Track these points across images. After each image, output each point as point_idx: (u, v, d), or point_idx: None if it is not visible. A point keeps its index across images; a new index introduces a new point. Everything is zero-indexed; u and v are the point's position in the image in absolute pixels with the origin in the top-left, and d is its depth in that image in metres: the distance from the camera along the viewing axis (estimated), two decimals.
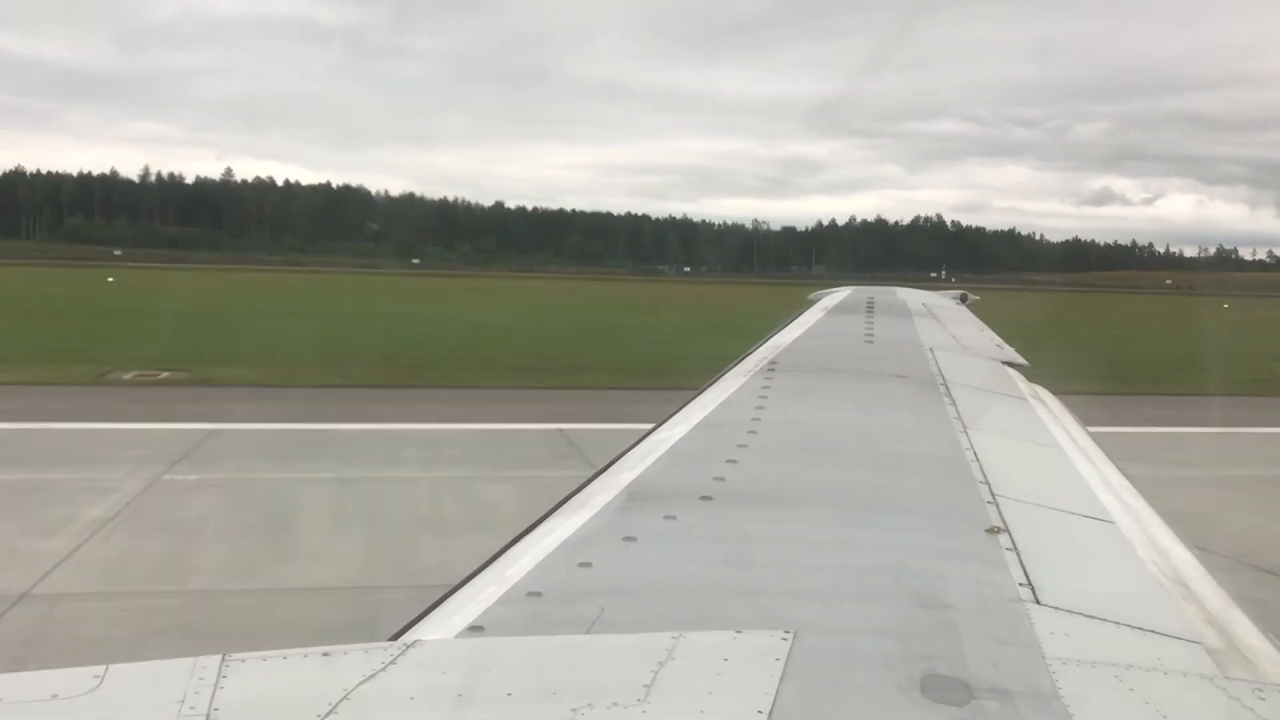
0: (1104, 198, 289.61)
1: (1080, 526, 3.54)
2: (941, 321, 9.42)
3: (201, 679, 1.94)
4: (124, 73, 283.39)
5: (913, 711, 2.02)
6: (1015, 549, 3.07)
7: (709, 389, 5.60)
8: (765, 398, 5.19)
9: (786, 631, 2.29)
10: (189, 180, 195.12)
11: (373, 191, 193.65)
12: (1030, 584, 2.78)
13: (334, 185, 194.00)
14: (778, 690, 2.02)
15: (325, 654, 2.10)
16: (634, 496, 3.44)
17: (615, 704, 1.94)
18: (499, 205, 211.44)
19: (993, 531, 3.23)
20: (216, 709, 1.86)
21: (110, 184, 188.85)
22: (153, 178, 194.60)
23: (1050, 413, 5.67)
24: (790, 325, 8.59)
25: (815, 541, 3.14)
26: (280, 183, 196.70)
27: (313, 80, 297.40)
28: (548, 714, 1.90)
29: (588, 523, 3.17)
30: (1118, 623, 2.57)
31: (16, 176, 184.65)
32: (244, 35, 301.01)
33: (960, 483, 3.82)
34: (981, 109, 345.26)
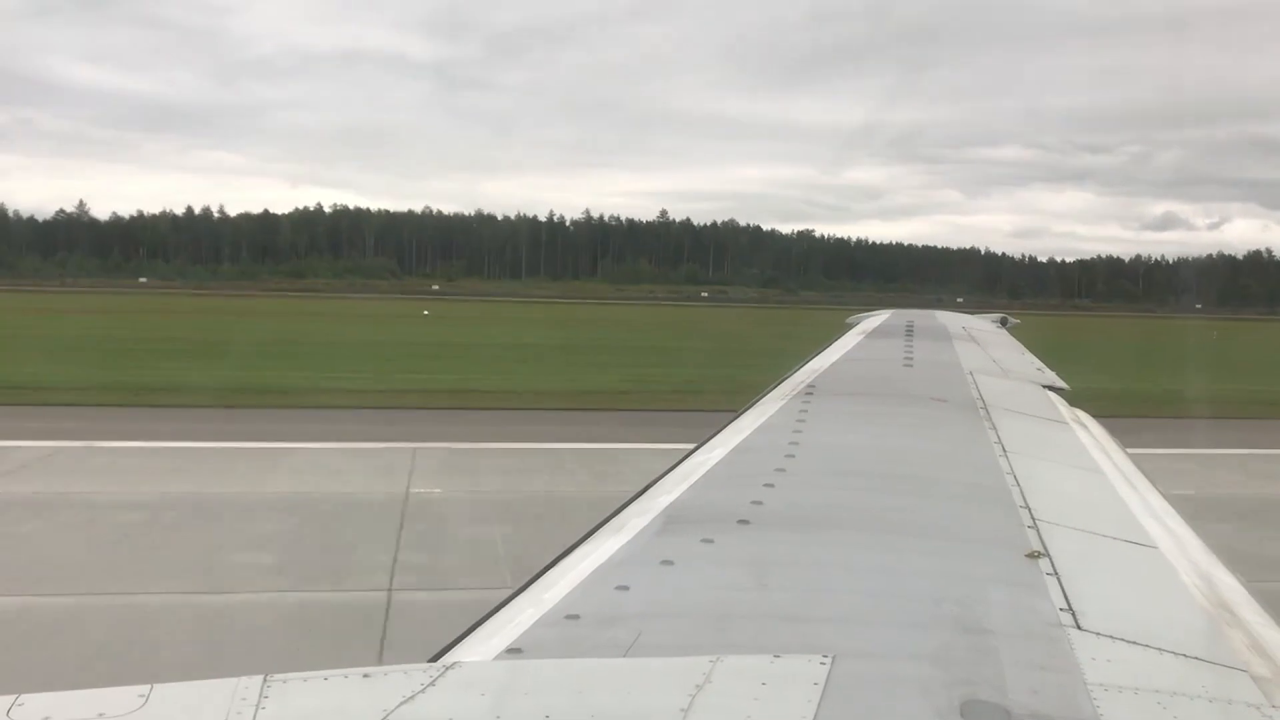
0: (1166, 223, 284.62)
1: (1123, 551, 3.50)
2: (981, 345, 9.36)
3: (244, 699, 1.97)
4: (202, 105, 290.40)
5: None
6: (1056, 574, 3.04)
7: (747, 412, 5.59)
8: (803, 421, 5.18)
9: (825, 656, 2.28)
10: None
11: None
12: (1071, 609, 2.75)
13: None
14: (816, 715, 2.01)
15: (365, 675, 2.13)
16: (672, 520, 3.44)
17: None
18: (773, 231, 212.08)
19: (1033, 556, 3.20)
20: None
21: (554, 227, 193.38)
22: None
23: (1092, 437, 5.61)
24: (829, 349, 8.56)
25: (854, 566, 3.13)
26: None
27: (386, 112, 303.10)
28: None
29: (625, 545, 3.18)
30: (1161, 649, 2.54)
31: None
32: (321, 69, 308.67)
33: (1000, 507, 3.79)
34: (1047, 135, 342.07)
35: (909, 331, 9.91)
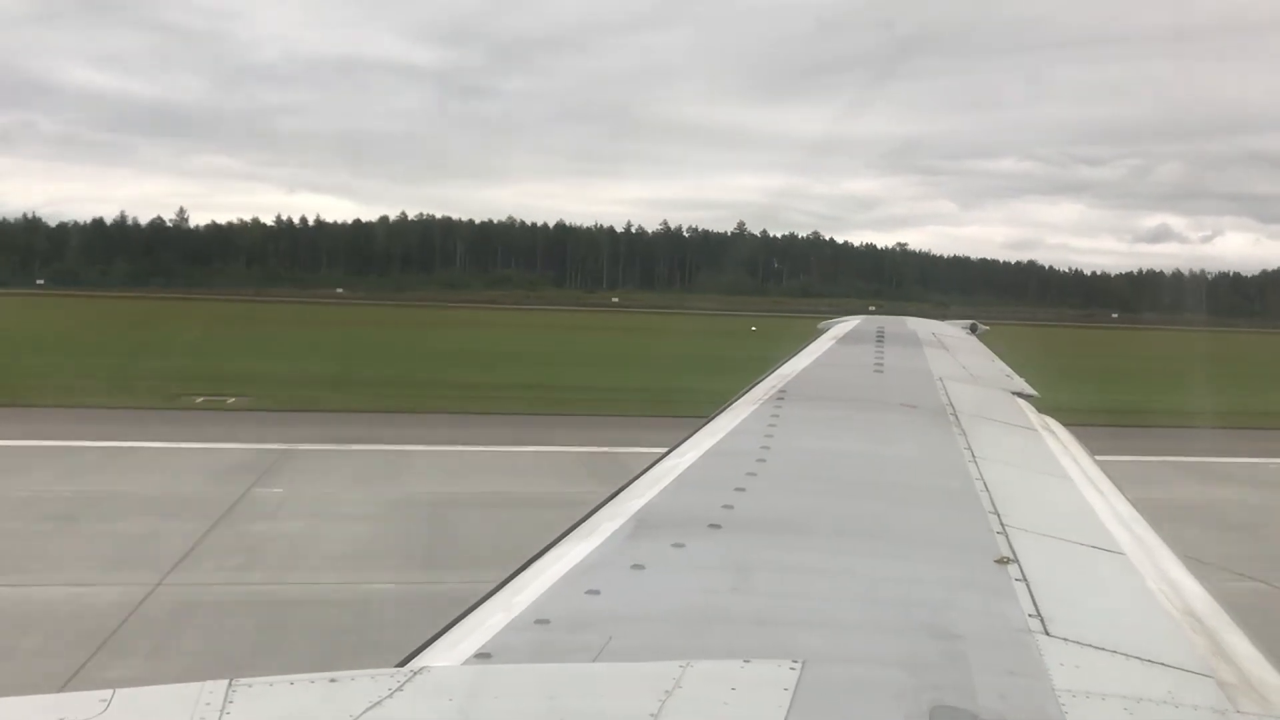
0: (1159, 235, 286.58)
1: (1090, 557, 3.52)
2: (951, 351, 9.42)
3: (208, 704, 1.94)
4: (200, 110, 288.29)
5: None
6: (1025, 580, 3.05)
7: (718, 416, 5.60)
8: (775, 426, 5.18)
9: (795, 661, 2.28)
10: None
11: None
12: (1040, 615, 2.76)
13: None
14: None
15: (332, 680, 2.10)
16: (643, 524, 3.43)
17: None
18: (846, 243, 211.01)
19: (1002, 562, 3.22)
20: None
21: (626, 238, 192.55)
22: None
23: (1060, 443, 5.65)
24: (800, 354, 8.58)
25: (824, 571, 3.13)
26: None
27: (382, 119, 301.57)
28: None
29: (596, 550, 3.16)
30: (1128, 655, 2.55)
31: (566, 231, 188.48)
32: (320, 75, 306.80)
33: (969, 513, 3.81)
34: (1044, 148, 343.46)
35: (879, 338, 9.95)
